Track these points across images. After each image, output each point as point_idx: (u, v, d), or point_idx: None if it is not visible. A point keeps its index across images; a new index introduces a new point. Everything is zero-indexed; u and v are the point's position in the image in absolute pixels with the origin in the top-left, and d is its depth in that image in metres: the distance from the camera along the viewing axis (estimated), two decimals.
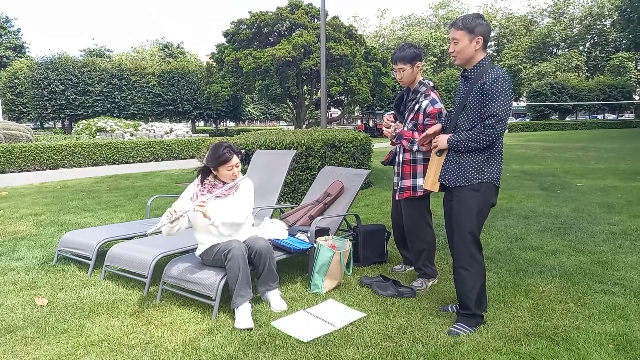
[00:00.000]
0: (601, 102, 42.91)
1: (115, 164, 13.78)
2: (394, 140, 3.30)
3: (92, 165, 13.29)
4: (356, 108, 37.51)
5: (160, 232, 2.88)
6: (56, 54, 33.85)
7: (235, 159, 2.96)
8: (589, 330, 2.55)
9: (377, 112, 35.92)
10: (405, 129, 3.24)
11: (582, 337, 2.47)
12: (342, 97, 32.00)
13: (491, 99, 2.44)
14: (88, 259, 3.65)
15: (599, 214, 5.54)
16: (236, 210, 2.96)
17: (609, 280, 3.34)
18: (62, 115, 32.52)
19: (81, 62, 32.77)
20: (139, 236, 3.97)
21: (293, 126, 33.81)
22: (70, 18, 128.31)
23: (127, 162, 14.09)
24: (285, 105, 32.92)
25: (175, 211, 2.77)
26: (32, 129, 19.33)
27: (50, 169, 12.37)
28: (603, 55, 50.60)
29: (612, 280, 3.34)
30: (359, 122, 41.22)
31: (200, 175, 3.02)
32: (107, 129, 18.47)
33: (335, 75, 26.12)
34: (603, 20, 50.31)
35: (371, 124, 35.45)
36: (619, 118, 48.77)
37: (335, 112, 43.64)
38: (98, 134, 18.17)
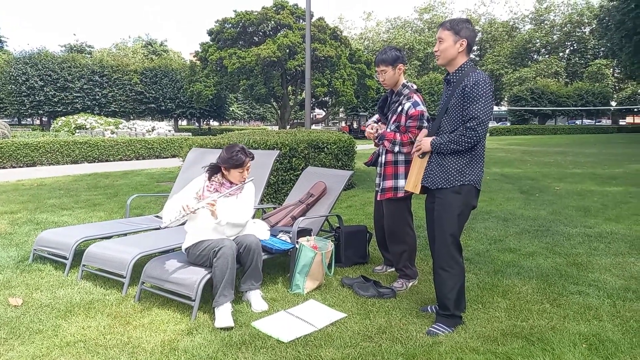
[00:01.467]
0: (579, 108, 43.91)
1: (94, 162, 13.55)
2: (376, 141, 3.33)
3: (71, 163, 13.03)
4: (340, 109, 37.63)
5: (156, 228, 2.93)
6: (35, 49, 33.07)
7: (249, 162, 3.04)
8: (564, 331, 2.60)
9: (361, 113, 36.07)
10: (388, 130, 3.27)
11: (557, 337, 2.53)
12: (327, 98, 32.06)
13: (472, 102, 2.49)
14: (65, 258, 3.58)
15: (575, 217, 5.67)
16: (240, 211, 3.03)
17: (583, 281, 3.42)
18: (41, 112, 31.76)
19: (61, 58, 32.04)
20: (117, 235, 3.90)
21: (277, 126, 33.70)
22: (50, 13, 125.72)
23: (107, 161, 13.86)
24: (269, 106, 32.82)
25: (187, 206, 2.82)
26: (9, 125, 18.82)
27: (28, 167, 12.09)
28: (582, 62, 51.84)
29: (586, 281, 3.42)
30: (343, 124, 41.33)
31: (209, 172, 3.07)
32: (87, 127, 18.13)
33: (319, 76, 26.16)
34: (582, 27, 51.54)
35: (355, 125, 35.58)
36: (597, 124, 49.98)
37: (319, 113, 43.70)
38: (77, 131, 17.82)
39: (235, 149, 3.00)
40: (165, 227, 2.97)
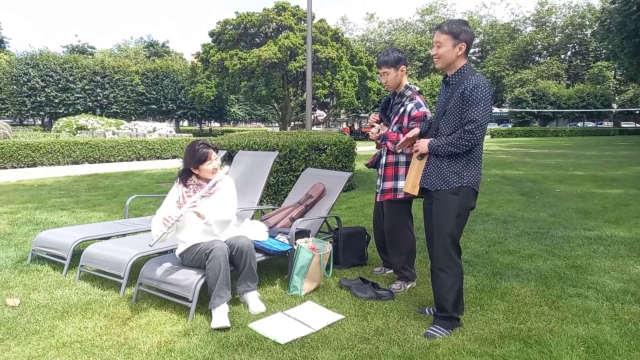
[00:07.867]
0: (580, 110, 43.86)
1: (95, 162, 13.56)
2: (378, 142, 3.32)
3: (72, 164, 13.05)
4: (341, 111, 37.66)
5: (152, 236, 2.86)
6: (37, 50, 33.17)
7: (213, 153, 2.99)
8: (562, 333, 2.59)
9: (362, 115, 36.11)
10: (390, 131, 3.27)
11: (555, 339, 2.51)
12: (328, 99, 32.10)
13: (471, 105, 2.48)
14: (63, 258, 3.58)
15: (575, 220, 5.65)
16: (225, 207, 2.99)
17: (582, 284, 3.41)
18: (42, 113, 31.84)
19: (63, 59, 32.13)
20: (116, 236, 3.90)
21: (278, 128, 33.73)
22: (52, 14, 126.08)
23: (107, 161, 13.88)
24: (270, 107, 32.87)
25: (170, 217, 2.77)
26: (11, 125, 18.83)
27: (29, 167, 12.11)
28: (583, 64, 51.79)
29: (585, 284, 3.41)
30: (344, 125, 41.40)
31: (181, 178, 3.02)
32: (89, 127, 18.15)
33: (320, 78, 26.18)
34: (584, 29, 51.53)
35: (356, 127, 35.61)
36: (598, 126, 49.90)
37: (320, 114, 43.74)
38: (79, 132, 17.84)
39: (196, 145, 2.96)
40: (153, 244, 2.82)
